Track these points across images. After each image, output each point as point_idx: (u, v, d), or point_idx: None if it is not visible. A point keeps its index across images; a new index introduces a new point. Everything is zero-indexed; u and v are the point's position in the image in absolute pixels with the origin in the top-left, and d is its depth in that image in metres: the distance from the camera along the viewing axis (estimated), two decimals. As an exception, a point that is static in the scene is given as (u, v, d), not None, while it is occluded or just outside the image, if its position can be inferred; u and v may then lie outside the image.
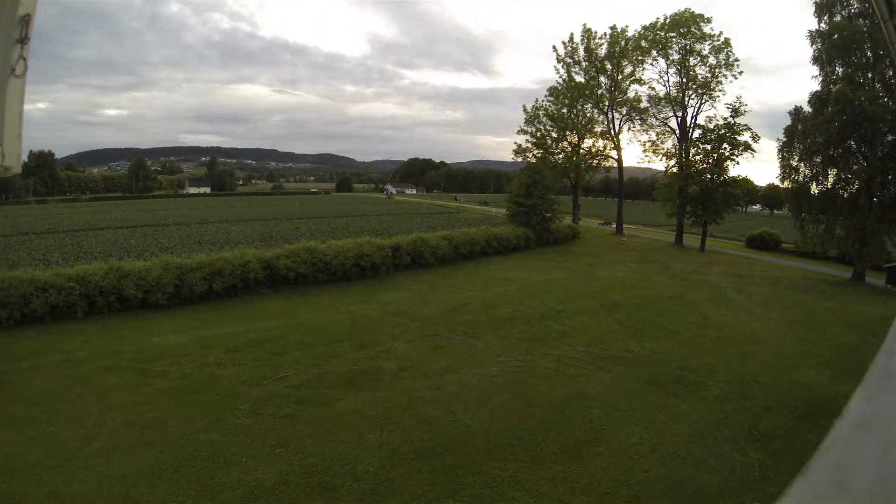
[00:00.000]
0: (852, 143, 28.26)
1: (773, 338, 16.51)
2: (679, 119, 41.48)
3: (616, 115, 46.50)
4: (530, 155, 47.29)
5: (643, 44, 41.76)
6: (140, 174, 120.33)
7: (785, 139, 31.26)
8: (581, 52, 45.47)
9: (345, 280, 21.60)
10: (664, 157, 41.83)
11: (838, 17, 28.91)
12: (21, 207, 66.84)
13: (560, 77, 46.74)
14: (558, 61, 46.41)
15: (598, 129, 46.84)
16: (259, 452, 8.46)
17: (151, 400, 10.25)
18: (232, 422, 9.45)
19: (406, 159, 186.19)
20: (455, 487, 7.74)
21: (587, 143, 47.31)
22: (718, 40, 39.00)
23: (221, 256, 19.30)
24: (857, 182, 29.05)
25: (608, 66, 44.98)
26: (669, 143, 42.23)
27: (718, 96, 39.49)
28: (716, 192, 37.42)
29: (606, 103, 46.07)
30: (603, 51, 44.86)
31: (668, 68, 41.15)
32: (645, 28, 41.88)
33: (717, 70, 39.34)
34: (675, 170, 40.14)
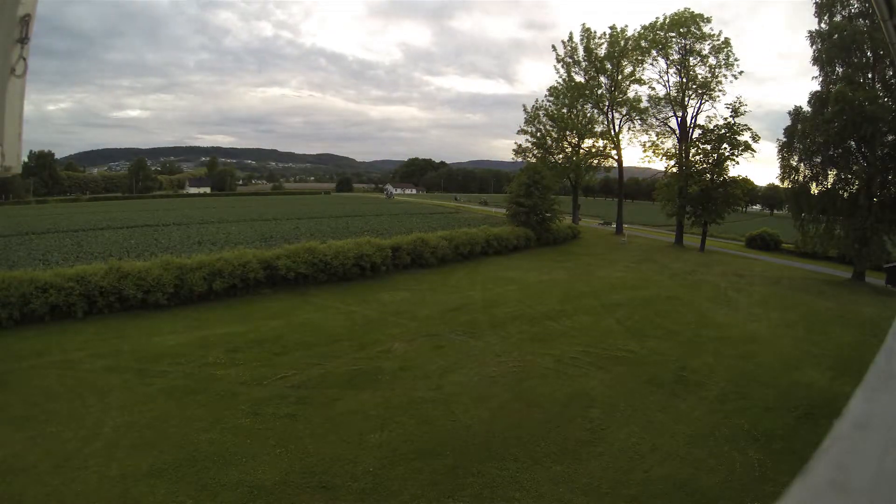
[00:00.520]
0: (852, 143, 28.23)
1: (773, 338, 16.51)
2: (679, 119, 41.48)
3: (616, 115, 46.53)
4: (530, 155, 47.30)
5: (643, 44, 41.74)
6: (140, 174, 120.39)
7: (785, 139, 31.26)
8: (581, 51, 45.47)
9: (345, 280, 21.60)
10: (664, 157, 41.82)
11: (838, 17, 28.90)
12: (21, 207, 66.86)
13: (560, 77, 46.78)
14: (558, 61, 46.44)
15: (598, 129, 46.81)
16: (259, 452, 8.46)
17: (151, 400, 10.25)
18: (232, 422, 9.45)
19: (406, 159, 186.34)
20: (455, 487, 7.74)
21: (587, 143, 47.30)
22: (718, 40, 38.99)
23: (221, 256, 19.31)
24: (856, 182, 29.03)
25: (608, 66, 44.95)
26: (669, 143, 42.25)
27: (718, 96, 39.51)
28: (716, 192, 37.40)
29: (606, 103, 46.06)
30: (603, 51, 44.85)
31: (667, 68, 41.17)
32: (645, 28, 41.88)
33: (716, 70, 39.33)
34: (675, 170, 40.12)
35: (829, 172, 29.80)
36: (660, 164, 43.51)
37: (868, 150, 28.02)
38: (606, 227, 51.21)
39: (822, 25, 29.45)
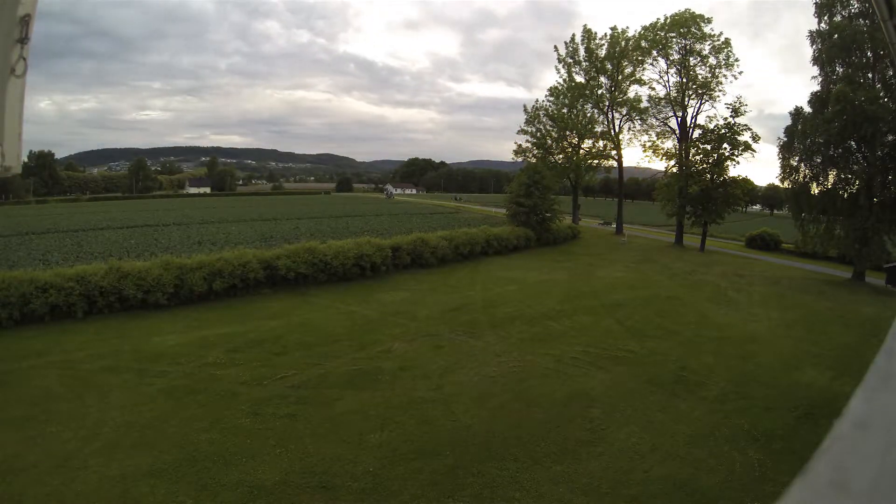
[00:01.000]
0: (852, 143, 28.22)
1: (773, 338, 16.51)
2: (679, 119, 41.48)
3: (616, 115, 46.52)
4: (530, 155, 47.28)
5: (643, 44, 41.73)
6: (140, 174, 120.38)
7: (785, 139, 31.25)
8: (581, 52, 45.47)
9: (345, 280, 21.60)
10: (664, 158, 41.82)
11: (838, 17, 28.89)
12: (21, 207, 66.85)
13: (560, 77, 46.80)
14: (559, 61, 46.44)
15: (598, 129, 46.79)
16: (259, 452, 8.46)
17: (151, 400, 10.25)
18: (232, 422, 9.45)
19: (406, 159, 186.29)
20: (455, 487, 7.74)
21: (587, 143, 47.28)
22: (718, 40, 38.98)
23: (221, 256, 19.31)
24: (857, 182, 29.02)
25: (608, 67, 44.94)
26: (669, 144, 42.27)
27: (718, 96, 39.52)
28: (716, 192, 37.39)
29: (606, 103, 46.05)
30: (603, 51, 44.84)
31: (668, 68, 41.16)
32: (645, 28, 41.89)
33: (717, 70, 39.33)
34: (675, 170, 40.11)
35: (830, 172, 29.78)
36: (660, 165, 43.56)
37: (868, 150, 28.01)
38: (606, 227, 51.21)
39: (822, 25, 29.44)
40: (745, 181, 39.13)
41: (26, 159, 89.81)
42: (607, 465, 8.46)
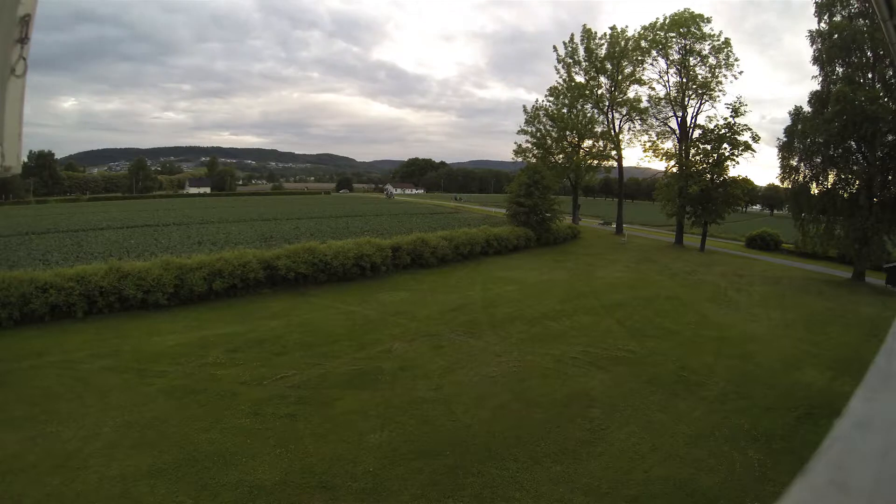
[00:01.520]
0: (852, 143, 28.23)
1: (773, 338, 16.51)
2: (679, 119, 41.47)
3: (616, 115, 46.52)
4: (530, 155, 47.27)
5: (643, 44, 41.72)
6: (140, 174, 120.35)
7: (785, 139, 31.25)
8: (581, 52, 45.44)
9: (345, 280, 21.60)
10: (664, 158, 41.83)
11: (838, 17, 28.90)
12: (21, 207, 66.82)
13: (560, 77, 46.78)
14: (558, 61, 46.40)
15: (598, 129, 46.78)
16: (259, 452, 8.46)
17: (151, 400, 10.25)
18: (232, 422, 9.44)
19: (406, 159, 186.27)
20: (455, 487, 7.74)
21: (587, 143, 47.28)
22: (718, 40, 38.98)
23: (221, 256, 19.31)
24: (857, 182, 29.03)
25: (608, 67, 44.93)
26: (669, 144, 42.29)
27: (718, 96, 39.52)
28: (716, 192, 37.39)
29: (606, 103, 46.04)
30: (603, 51, 44.82)
31: (667, 68, 41.16)
32: (645, 28, 41.90)
33: (716, 70, 39.33)
34: (675, 170, 40.11)
35: (829, 172, 29.80)
36: (660, 165, 43.60)
37: (868, 150, 28.02)
38: (606, 227, 51.21)
39: (822, 25, 29.46)
40: (745, 181, 39.13)
41: (26, 159, 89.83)
42: (607, 465, 8.46)
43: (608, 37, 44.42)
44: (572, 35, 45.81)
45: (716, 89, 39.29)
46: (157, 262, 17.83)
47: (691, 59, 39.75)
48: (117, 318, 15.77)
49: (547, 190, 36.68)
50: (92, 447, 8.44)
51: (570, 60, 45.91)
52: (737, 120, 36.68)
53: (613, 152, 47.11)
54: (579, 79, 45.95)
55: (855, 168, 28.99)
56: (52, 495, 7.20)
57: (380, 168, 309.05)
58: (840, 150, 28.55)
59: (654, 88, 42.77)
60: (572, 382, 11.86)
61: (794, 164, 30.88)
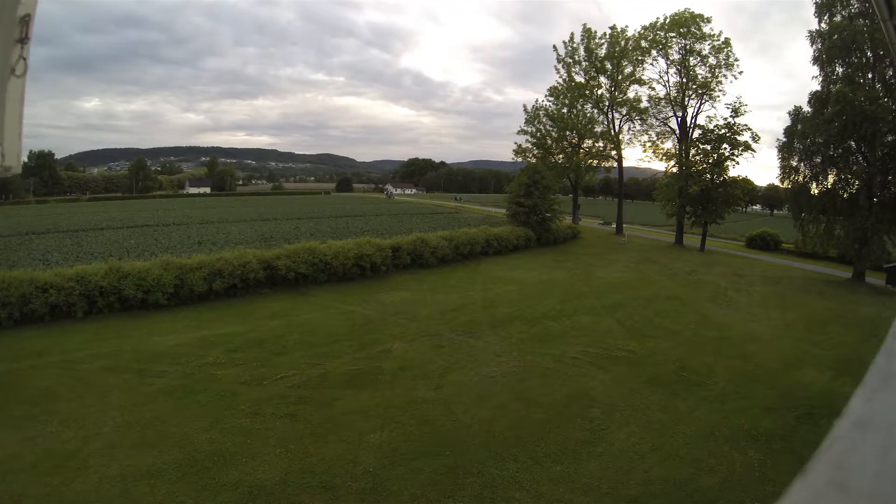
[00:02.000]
0: (852, 143, 28.23)
1: (773, 338, 16.51)
2: (679, 119, 41.48)
3: (616, 115, 46.52)
4: (530, 155, 47.26)
5: (643, 44, 41.72)
6: (140, 174, 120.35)
7: (785, 139, 31.25)
8: (581, 52, 45.42)
9: (345, 280, 21.60)
10: (664, 158, 41.84)
11: (838, 17, 28.89)
12: (21, 207, 66.81)
13: (560, 77, 46.75)
14: (558, 61, 46.37)
15: (598, 129, 46.77)
16: (259, 452, 8.46)
17: (151, 400, 10.25)
18: (232, 422, 9.44)
19: (406, 159, 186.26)
20: (455, 487, 7.74)
21: (587, 143, 47.27)
22: (718, 40, 38.98)
23: (221, 256, 19.30)
24: (856, 182, 29.02)
25: (608, 66, 44.92)
26: (669, 144, 42.29)
27: (718, 96, 39.52)
28: (716, 192, 37.39)
29: (606, 103, 46.04)
30: (603, 51, 44.81)
31: (668, 68, 41.17)
32: (645, 28, 41.90)
33: (717, 70, 39.33)
34: (675, 170, 40.12)
35: (829, 172, 29.80)
36: (660, 165, 43.59)
37: (868, 150, 28.02)
38: (606, 227, 51.21)
39: (822, 25, 29.45)
40: (745, 181, 39.14)
41: (26, 159, 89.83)
42: (607, 465, 8.46)
43: (608, 37, 44.41)
44: (572, 34, 45.85)
45: (716, 89, 39.33)
46: (157, 262, 17.82)
47: (691, 58, 39.77)
48: (117, 318, 15.77)
49: (547, 190, 36.69)
50: (92, 447, 8.44)
51: (570, 60, 45.91)
52: (737, 120, 36.73)
53: (613, 152, 47.14)
54: (579, 79, 45.96)
55: (855, 168, 28.98)
56: (52, 495, 7.20)
57: (380, 168, 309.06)
58: (840, 150, 28.56)
59: (654, 88, 42.85)
60: (572, 382, 11.86)
61: (794, 164, 30.88)
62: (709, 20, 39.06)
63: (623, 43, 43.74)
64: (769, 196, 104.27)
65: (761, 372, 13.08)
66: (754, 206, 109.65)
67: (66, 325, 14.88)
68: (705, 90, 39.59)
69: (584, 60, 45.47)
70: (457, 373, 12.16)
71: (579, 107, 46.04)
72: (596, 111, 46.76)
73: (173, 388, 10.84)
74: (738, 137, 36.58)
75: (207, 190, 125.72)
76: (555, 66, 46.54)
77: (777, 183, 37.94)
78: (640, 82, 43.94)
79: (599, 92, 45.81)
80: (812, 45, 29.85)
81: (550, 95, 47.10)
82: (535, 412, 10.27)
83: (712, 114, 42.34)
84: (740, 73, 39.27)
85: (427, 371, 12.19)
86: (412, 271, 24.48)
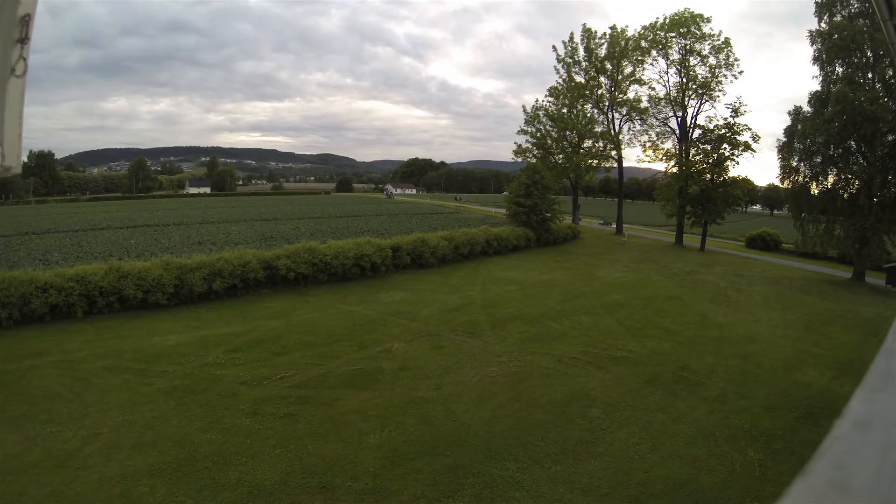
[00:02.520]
0: (852, 143, 28.23)
1: (773, 338, 16.51)
2: (679, 119, 41.49)
3: (616, 115, 46.53)
4: (530, 155, 47.27)
5: (643, 44, 41.74)
6: (140, 174, 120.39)
7: (785, 139, 31.25)
8: (581, 52, 45.45)
9: (345, 280, 21.60)
10: (664, 158, 41.84)
11: (838, 17, 28.91)
12: (21, 207, 66.86)
13: (560, 77, 46.76)
14: (558, 61, 46.39)
15: (598, 129, 46.77)
16: (259, 452, 8.46)
17: (151, 400, 10.25)
18: (232, 422, 9.45)
19: (406, 159, 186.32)
20: (455, 487, 7.74)
21: (587, 143, 47.26)
22: (718, 40, 39.00)
23: (221, 256, 19.30)
24: (857, 182, 29.01)
25: (608, 67, 44.93)
26: (669, 144, 42.29)
27: (718, 96, 39.54)
28: (716, 192, 37.40)
29: (606, 103, 46.04)
30: (603, 51, 44.83)
31: (668, 68, 41.20)
32: (645, 28, 41.93)
33: (717, 70, 39.35)
34: (674, 170, 40.12)
35: (829, 172, 29.79)
36: (660, 165, 43.59)
37: (868, 150, 28.01)
38: (606, 227, 51.22)
39: (822, 25, 29.47)
40: (745, 181, 39.16)
41: (26, 159, 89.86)
42: (607, 465, 8.46)
43: (608, 37, 44.40)
44: (572, 34, 45.84)
45: (716, 89, 39.34)
46: (157, 262, 17.82)
47: (691, 58, 39.80)
48: (117, 318, 15.77)
49: (547, 190, 36.68)
50: (92, 447, 8.44)
51: (570, 60, 45.92)
52: (737, 120, 36.73)
53: (613, 152, 47.15)
54: (579, 79, 45.96)
55: (855, 168, 28.97)
56: (52, 495, 7.20)
57: (380, 168, 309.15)
58: (840, 150, 28.55)
59: (654, 88, 42.87)
60: (572, 382, 11.86)
61: (794, 164, 30.88)
62: (709, 20, 39.12)
63: (623, 43, 43.75)
64: (769, 196, 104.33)
65: (761, 372, 13.08)
66: (754, 207, 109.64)
67: (66, 325, 14.88)
68: (705, 90, 39.61)
69: (584, 60, 45.49)
70: (457, 373, 12.16)
71: (579, 107, 46.05)
72: (596, 111, 46.81)
73: (173, 387, 10.84)
74: (738, 137, 36.58)
75: (207, 190, 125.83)
76: (554, 67, 46.63)
77: (777, 183, 37.99)
78: (640, 82, 44.01)
79: (599, 92, 45.84)
80: (812, 45, 29.88)
81: (550, 95, 47.15)
82: (534, 412, 10.27)
83: (712, 114, 42.51)
84: (740, 72, 39.32)
85: (427, 371, 12.19)
86: (412, 271, 24.48)
